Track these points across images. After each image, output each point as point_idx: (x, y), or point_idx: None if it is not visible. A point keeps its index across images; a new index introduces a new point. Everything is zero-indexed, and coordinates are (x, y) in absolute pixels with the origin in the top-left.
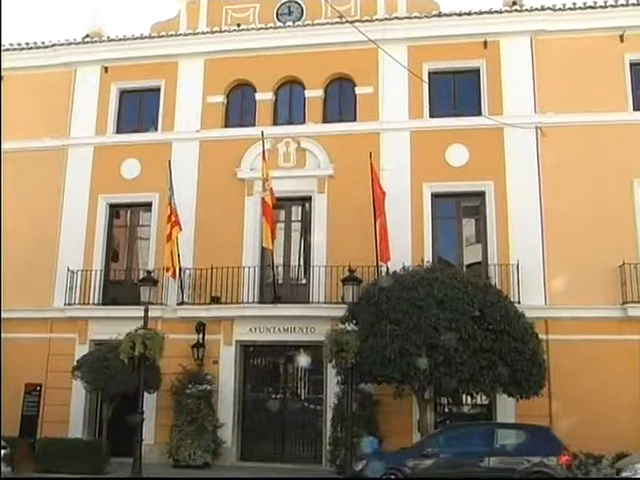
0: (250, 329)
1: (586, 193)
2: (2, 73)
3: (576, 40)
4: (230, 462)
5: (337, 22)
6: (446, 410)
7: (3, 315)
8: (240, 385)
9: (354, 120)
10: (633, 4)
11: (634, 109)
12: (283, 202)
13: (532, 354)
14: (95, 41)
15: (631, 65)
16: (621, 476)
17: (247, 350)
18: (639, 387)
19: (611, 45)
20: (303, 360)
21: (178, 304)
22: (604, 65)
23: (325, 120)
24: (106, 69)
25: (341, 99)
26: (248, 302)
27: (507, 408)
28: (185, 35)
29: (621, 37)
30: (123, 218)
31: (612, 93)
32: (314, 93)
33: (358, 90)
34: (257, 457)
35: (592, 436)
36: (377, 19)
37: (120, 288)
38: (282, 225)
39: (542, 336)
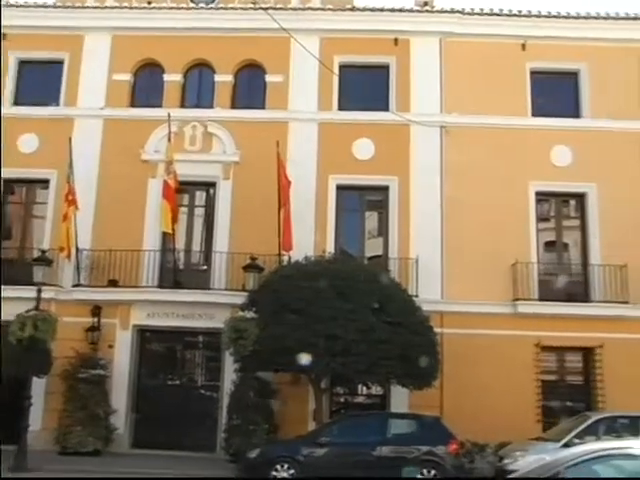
0: (148, 314)
1: (485, 193)
2: None
3: (482, 45)
4: (122, 449)
5: (250, 8)
6: (342, 400)
7: None
8: (135, 371)
9: (263, 108)
10: (535, 15)
11: (532, 115)
12: (187, 186)
13: (427, 347)
14: None
15: (531, 73)
16: (503, 462)
17: (144, 335)
18: (525, 380)
19: (514, 52)
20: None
21: (73, 286)
22: (507, 71)
23: (234, 106)
24: (4, 36)
25: (251, 86)
26: (147, 286)
27: (401, 398)
28: (93, 8)
29: (523, 46)
30: (18, 194)
31: (513, 98)
32: (224, 78)
33: (268, 78)
34: (150, 444)
35: (479, 426)
36: (291, 8)
37: (12, 267)
38: (185, 210)
39: (437, 329)
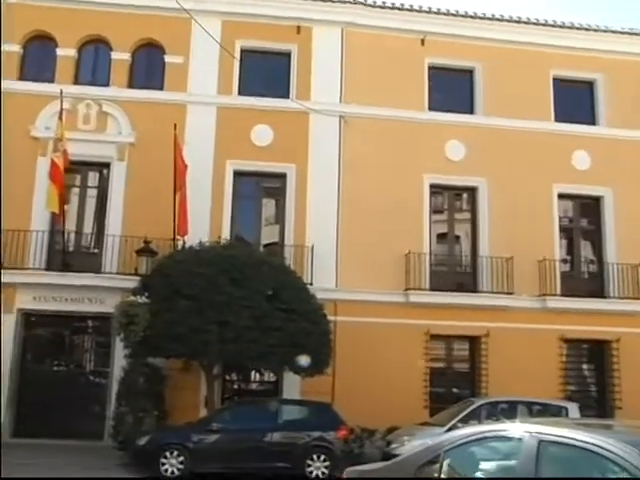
0: (34, 297)
1: (382, 184)
2: None
3: (383, 37)
4: (3, 438)
5: None
6: (234, 386)
7: None
8: (19, 356)
9: (161, 89)
10: (434, 12)
11: (429, 109)
12: (80, 167)
13: (320, 334)
14: None
15: (429, 68)
16: (390, 447)
17: (29, 319)
18: (414, 367)
19: (413, 47)
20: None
21: None
22: (406, 65)
23: (131, 85)
24: None
25: (149, 66)
26: (34, 268)
27: (293, 385)
28: None
29: (422, 41)
30: None
31: (411, 92)
32: (121, 56)
33: (168, 59)
34: (34, 433)
35: (370, 412)
36: None
37: None
38: (77, 191)
39: (331, 317)
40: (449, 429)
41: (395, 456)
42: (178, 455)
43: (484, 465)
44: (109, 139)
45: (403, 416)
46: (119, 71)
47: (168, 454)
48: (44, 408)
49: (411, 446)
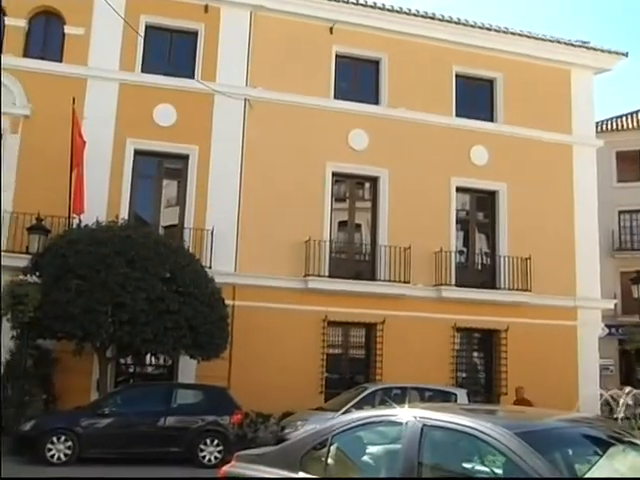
0: None
1: (285, 170)
2: None
3: (292, 23)
4: None
5: None
6: (129, 370)
7: None
8: None
9: (60, 61)
10: (343, 1)
11: (335, 97)
12: None
13: (217, 319)
14: None
15: (337, 56)
16: (284, 432)
17: None
18: (311, 353)
19: (322, 35)
20: None
21: None
22: (314, 52)
23: (26, 55)
24: None
25: (47, 35)
26: None
27: (189, 369)
28: None
29: (331, 29)
30: None
31: (318, 79)
32: (16, 22)
33: (67, 29)
34: None
35: (266, 397)
36: None
37: None
38: None
39: (229, 301)
40: (342, 414)
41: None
42: (65, 440)
43: (371, 449)
44: (2, 110)
45: (299, 401)
46: (14, 38)
47: (55, 439)
48: None
49: (304, 431)
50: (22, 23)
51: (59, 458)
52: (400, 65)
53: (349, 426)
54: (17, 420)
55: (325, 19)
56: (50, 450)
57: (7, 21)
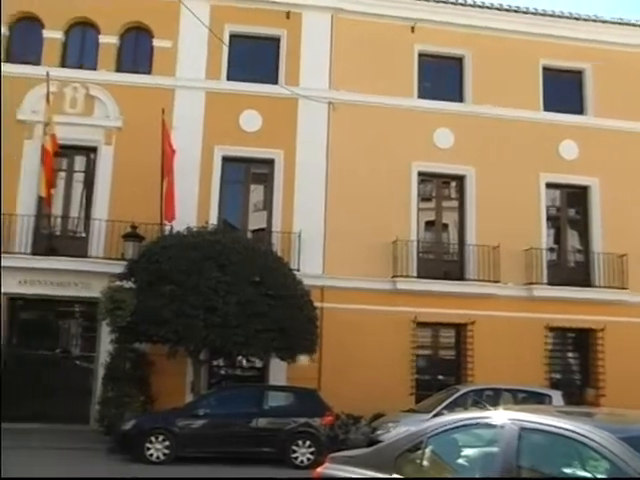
0: (20, 281)
1: (369, 171)
2: None
3: (373, 24)
4: None
5: None
6: (221, 372)
7: None
8: (4, 340)
9: (149, 73)
10: None
11: (419, 97)
12: (66, 151)
13: (306, 321)
14: None
15: (419, 55)
16: (376, 434)
17: (16, 304)
18: (400, 354)
19: (403, 34)
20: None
21: None
22: (396, 52)
23: (118, 69)
24: None
25: (137, 49)
26: (20, 252)
27: (279, 371)
28: None
29: (412, 28)
30: None
31: (400, 79)
32: (109, 39)
33: (156, 42)
34: (20, 417)
35: (356, 399)
36: None
37: None
38: (63, 175)
39: (317, 304)
40: (434, 416)
41: (380, 442)
42: (163, 440)
43: (466, 452)
44: (96, 123)
45: (389, 403)
46: (107, 55)
47: (153, 439)
48: (30, 392)
49: (396, 433)
50: (114, 40)
51: (158, 457)
52: (484, 61)
53: (444, 428)
54: (118, 420)
55: (406, 18)
56: (149, 449)
57: (101, 38)
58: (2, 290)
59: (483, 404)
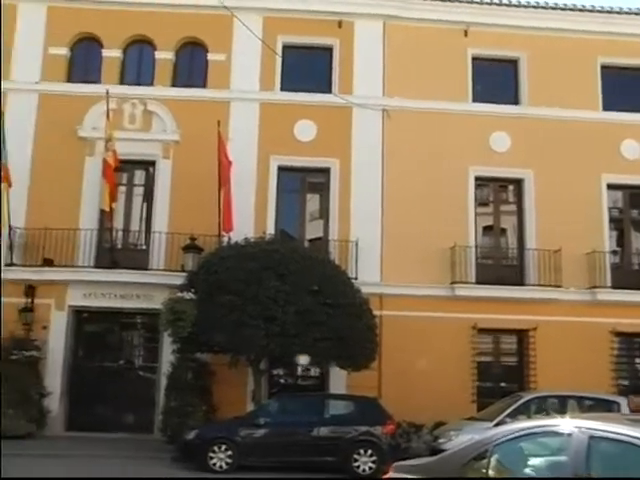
0: (84, 294)
1: (425, 177)
2: None
3: (425, 30)
4: (56, 432)
5: None
6: (281, 381)
7: None
8: (71, 352)
9: (204, 87)
10: (477, 2)
11: (473, 100)
12: (126, 165)
13: (365, 329)
14: None
15: (473, 59)
16: (438, 442)
17: (80, 316)
18: (460, 361)
19: (456, 38)
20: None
21: (6, 265)
22: (449, 57)
23: (174, 84)
24: None
25: (192, 64)
26: (83, 266)
27: (339, 380)
28: None
29: (465, 32)
30: None
31: (454, 84)
32: (164, 55)
33: (210, 56)
34: (86, 426)
35: (417, 407)
36: None
37: None
38: (124, 189)
39: (376, 312)
40: (497, 424)
41: (443, 451)
42: (226, 449)
43: (533, 461)
44: (154, 137)
45: (450, 411)
46: (163, 70)
47: (216, 448)
48: (96, 402)
49: (459, 441)
50: (170, 55)
51: (221, 466)
52: (540, 62)
53: (510, 437)
54: (181, 429)
55: (459, 22)
56: (212, 458)
57: (157, 54)
58: (67, 302)
59: (547, 411)
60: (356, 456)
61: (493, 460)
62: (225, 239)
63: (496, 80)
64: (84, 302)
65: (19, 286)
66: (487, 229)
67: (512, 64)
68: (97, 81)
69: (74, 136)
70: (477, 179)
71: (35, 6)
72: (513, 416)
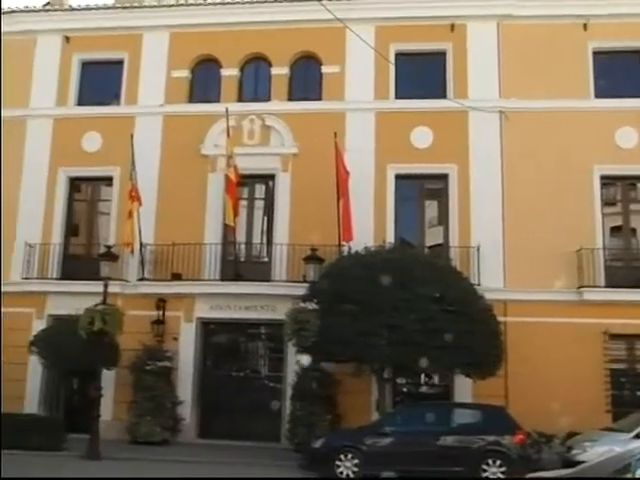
0: (211, 306)
1: (546, 178)
2: None
3: (541, 27)
4: (189, 439)
5: None
6: (404, 390)
7: None
8: (200, 362)
9: (319, 99)
10: None
11: (595, 97)
12: (246, 180)
13: (490, 335)
14: (56, 9)
15: (594, 53)
16: (571, 453)
17: (208, 327)
18: (592, 369)
19: (575, 33)
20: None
21: (138, 280)
22: (567, 52)
23: (290, 98)
24: (67, 39)
25: (307, 77)
26: (209, 279)
27: (464, 388)
28: (150, 7)
29: (585, 25)
30: (84, 192)
31: (575, 80)
32: (280, 70)
33: (324, 69)
34: (216, 434)
35: (546, 416)
36: None
37: (79, 263)
38: (245, 203)
39: (501, 318)
40: (636, 436)
41: (578, 463)
42: (352, 458)
43: None
44: (273, 151)
45: (582, 421)
46: (279, 85)
47: (343, 456)
48: (225, 411)
49: (594, 453)
50: (285, 70)
51: (347, 475)
52: None
53: None
54: (308, 438)
55: (578, 16)
56: (339, 467)
57: (273, 70)
58: (195, 315)
59: None
60: (484, 466)
61: (637, 474)
62: (345, 249)
63: (620, 73)
64: (211, 314)
65: (151, 299)
66: (615, 230)
67: (637, 55)
68: (217, 100)
69: (197, 154)
70: (603, 178)
71: (159, 34)
72: None
